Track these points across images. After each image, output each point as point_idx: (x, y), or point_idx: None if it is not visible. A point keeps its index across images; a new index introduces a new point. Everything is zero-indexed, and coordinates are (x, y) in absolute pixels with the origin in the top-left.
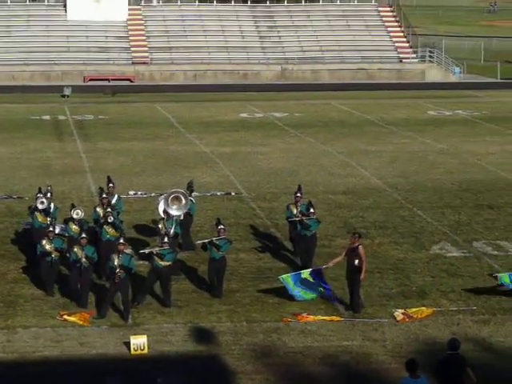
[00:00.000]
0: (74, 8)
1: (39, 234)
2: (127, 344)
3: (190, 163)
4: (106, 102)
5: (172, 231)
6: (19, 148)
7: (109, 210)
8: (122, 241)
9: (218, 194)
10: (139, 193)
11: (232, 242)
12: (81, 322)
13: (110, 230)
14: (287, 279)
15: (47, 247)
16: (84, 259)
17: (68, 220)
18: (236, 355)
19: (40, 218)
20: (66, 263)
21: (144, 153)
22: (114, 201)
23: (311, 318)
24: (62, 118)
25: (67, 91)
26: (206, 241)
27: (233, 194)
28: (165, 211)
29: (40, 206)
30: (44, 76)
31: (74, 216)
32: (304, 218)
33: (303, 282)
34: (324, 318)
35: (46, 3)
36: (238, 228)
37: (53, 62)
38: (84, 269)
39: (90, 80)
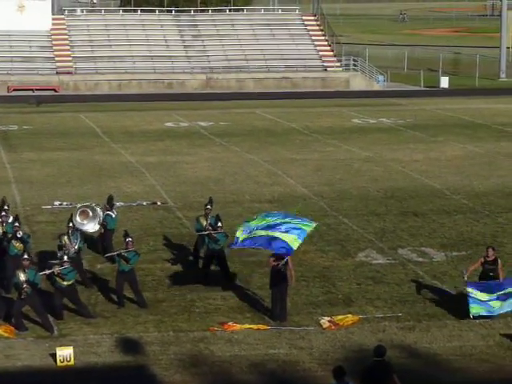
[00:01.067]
0: None
1: None
2: (53, 355)
3: (116, 173)
4: (31, 112)
5: (76, 246)
6: None
7: (16, 224)
8: (26, 256)
9: (144, 203)
10: (64, 203)
11: (140, 254)
12: (6, 335)
13: (18, 244)
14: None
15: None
16: (26, 285)
17: (10, 239)
18: (163, 365)
19: None
20: None
21: (69, 163)
22: (10, 220)
23: (238, 326)
24: None
25: None
26: (115, 253)
27: (159, 203)
28: (71, 226)
29: None
30: None
31: (18, 235)
32: (212, 231)
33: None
34: (251, 326)
35: None
36: (164, 238)
37: None
38: (28, 295)
39: (14, 90)
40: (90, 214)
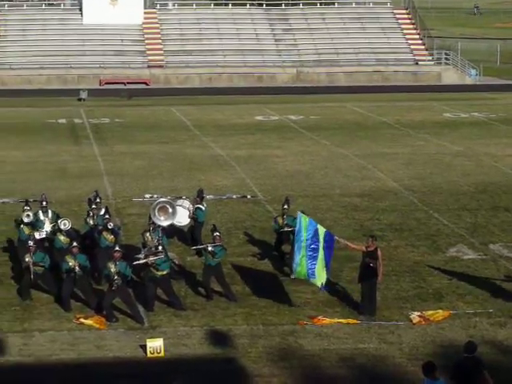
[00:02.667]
0: (90, 12)
1: (24, 246)
2: (143, 347)
3: (206, 166)
4: (122, 106)
5: (161, 241)
6: (35, 152)
7: (107, 216)
8: (117, 248)
9: (234, 197)
10: (155, 196)
11: (226, 249)
12: (97, 325)
13: (108, 236)
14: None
15: (70, 262)
16: (77, 268)
17: (56, 231)
18: (252, 358)
19: (27, 230)
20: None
21: (160, 156)
22: (101, 213)
23: (327, 320)
24: (78, 121)
25: (83, 95)
26: (201, 247)
27: (248, 196)
28: (152, 223)
29: (26, 220)
30: (60, 80)
31: (62, 227)
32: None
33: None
34: (340, 320)
35: (61, 7)
36: (253, 231)
37: (69, 66)
38: (79, 277)
39: (106, 83)
40: (170, 210)
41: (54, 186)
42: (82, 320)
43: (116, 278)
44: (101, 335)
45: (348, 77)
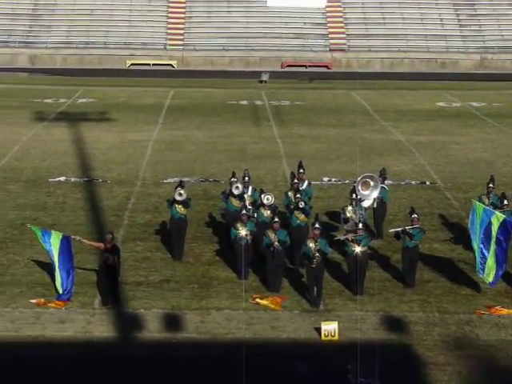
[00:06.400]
0: None
1: (234, 217)
2: (318, 330)
3: (385, 151)
4: (303, 88)
5: (363, 217)
6: (216, 132)
7: (298, 195)
8: (317, 225)
9: (413, 182)
10: (333, 179)
11: (425, 231)
12: (273, 306)
13: (300, 215)
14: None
15: (241, 231)
16: (276, 243)
17: (259, 206)
18: (427, 346)
19: (235, 202)
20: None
21: (339, 139)
22: (304, 186)
23: (505, 311)
24: (259, 103)
25: (265, 77)
26: (399, 229)
27: (427, 183)
28: (355, 198)
29: (235, 192)
30: (242, 61)
31: (265, 201)
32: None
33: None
34: None
35: None
36: (432, 218)
37: (251, 48)
38: (276, 252)
39: (288, 66)
40: (372, 183)
41: (233, 166)
42: (257, 300)
43: (316, 254)
44: (276, 316)
45: None
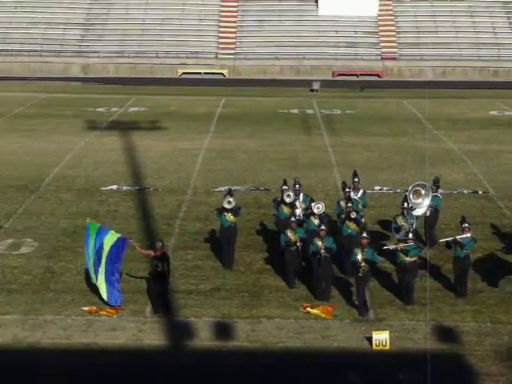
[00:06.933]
0: (326, 3)
1: (285, 225)
2: (369, 339)
3: (437, 160)
4: (354, 97)
5: (413, 226)
6: (267, 141)
7: (349, 205)
8: (365, 235)
9: (465, 192)
10: (385, 188)
11: (476, 240)
12: (323, 315)
13: (351, 224)
14: None
15: (291, 237)
16: (323, 250)
17: (309, 214)
18: (480, 356)
19: (286, 210)
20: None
21: (390, 148)
22: (359, 195)
23: None
24: (310, 112)
25: (316, 85)
26: (450, 239)
27: (480, 192)
28: (406, 207)
29: (287, 200)
30: (293, 70)
31: (315, 211)
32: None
33: None
34: None
35: None
36: (484, 227)
37: (302, 57)
38: (323, 260)
39: (339, 75)
40: (423, 192)
41: (284, 175)
42: (308, 309)
43: (363, 264)
44: (326, 325)
45: None
